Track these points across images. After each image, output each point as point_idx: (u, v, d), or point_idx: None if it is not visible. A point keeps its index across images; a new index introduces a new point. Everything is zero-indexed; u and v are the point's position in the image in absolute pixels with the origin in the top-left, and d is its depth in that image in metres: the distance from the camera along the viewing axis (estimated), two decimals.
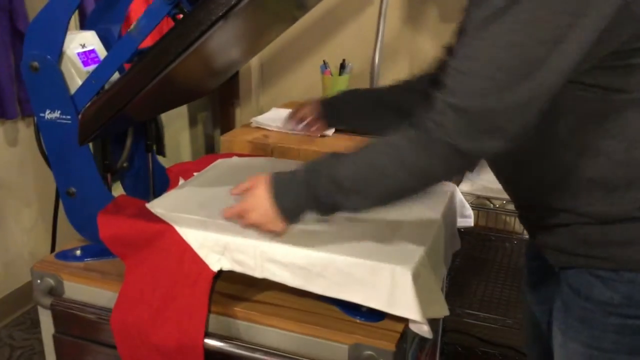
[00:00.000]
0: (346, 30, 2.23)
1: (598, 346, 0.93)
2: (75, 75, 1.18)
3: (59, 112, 1.18)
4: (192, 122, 2.75)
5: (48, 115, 1.19)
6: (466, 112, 0.81)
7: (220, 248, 1.07)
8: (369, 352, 0.97)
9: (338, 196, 0.91)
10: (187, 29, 0.98)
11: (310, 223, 1.11)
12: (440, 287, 1.06)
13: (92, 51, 1.24)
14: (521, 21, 0.77)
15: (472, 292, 1.85)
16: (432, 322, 0.99)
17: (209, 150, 2.86)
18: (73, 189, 1.23)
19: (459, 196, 1.32)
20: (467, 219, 1.33)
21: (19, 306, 2.34)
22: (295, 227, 1.10)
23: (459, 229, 1.33)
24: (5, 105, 2.10)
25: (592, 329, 0.93)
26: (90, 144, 1.21)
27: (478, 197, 1.81)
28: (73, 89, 1.17)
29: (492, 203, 1.88)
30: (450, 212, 1.26)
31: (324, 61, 2.18)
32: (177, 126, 2.64)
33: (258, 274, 1.05)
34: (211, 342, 1.05)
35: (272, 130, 1.95)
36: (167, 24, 1.34)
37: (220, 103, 2.64)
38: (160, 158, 1.44)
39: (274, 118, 2.04)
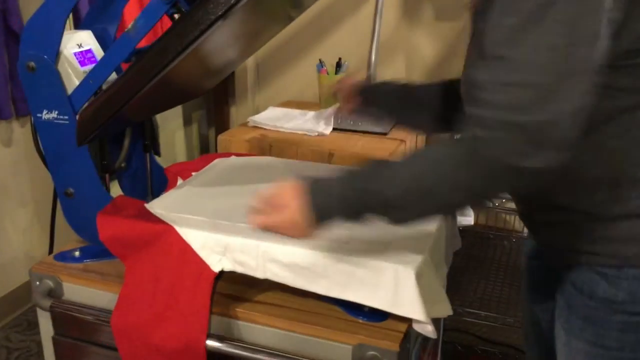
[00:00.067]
0: (342, 29, 2.23)
1: (602, 344, 0.93)
2: (72, 75, 1.17)
3: (56, 112, 1.17)
4: (187, 122, 2.74)
5: (45, 115, 1.18)
6: (522, 127, 0.76)
7: (221, 248, 1.06)
8: (373, 353, 0.97)
9: (379, 210, 0.88)
10: (185, 29, 0.97)
11: None
12: (443, 287, 1.06)
13: (89, 51, 1.23)
14: (560, 22, 0.75)
15: (472, 290, 1.86)
16: (434, 321, 0.99)
17: (204, 150, 2.86)
18: (71, 190, 1.22)
19: None
20: (467, 217, 1.33)
21: (15, 308, 2.33)
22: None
23: (458, 228, 1.32)
24: None
25: (596, 327, 0.93)
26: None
27: None
28: (70, 89, 1.16)
29: (491, 201, 1.88)
30: None
31: (320, 60, 2.17)
32: (172, 125, 2.63)
33: (260, 274, 1.05)
34: (213, 343, 1.04)
35: (270, 130, 1.94)
36: (161, 25, 1.34)
37: (215, 102, 2.63)
38: (157, 158, 1.43)
39: (271, 117, 2.03)
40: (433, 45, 2.10)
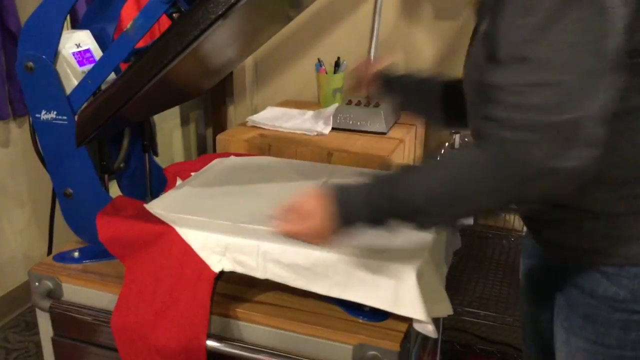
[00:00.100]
0: (341, 28, 2.23)
1: (602, 342, 0.93)
2: (71, 76, 1.17)
3: (55, 112, 1.17)
4: (184, 122, 2.74)
5: (44, 116, 1.18)
6: (553, 126, 0.76)
7: (221, 249, 1.06)
8: (373, 353, 0.97)
9: (405, 217, 0.88)
10: (185, 28, 0.97)
11: None
12: (443, 286, 1.06)
13: (88, 51, 1.23)
14: (584, 18, 0.75)
15: (471, 289, 1.86)
16: (434, 321, 0.99)
17: (202, 149, 2.85)
18: (70, 190, 1.22)
19: None
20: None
21: (13, 308, 2.33)
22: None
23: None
24: None
25: (597, 325, 0.94)
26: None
27: None
28: (69, 89, 1.16)
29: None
30: None
31: (318, 59, 2.17)
32: (169, 125, 2.63)
33: (260, 274, 1.05)
34: (213, 343, 1.04)
35: (268, 129, 1.94)
36: (158, 27, 1.33)
37: (212, 102, 2.63)
38: (155, 158, 1.43)
39: (270, 117, 2.03)
40: (432, 44, 2.10)
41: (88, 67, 1.18)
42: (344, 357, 0.99)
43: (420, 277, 0.95)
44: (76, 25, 1.77)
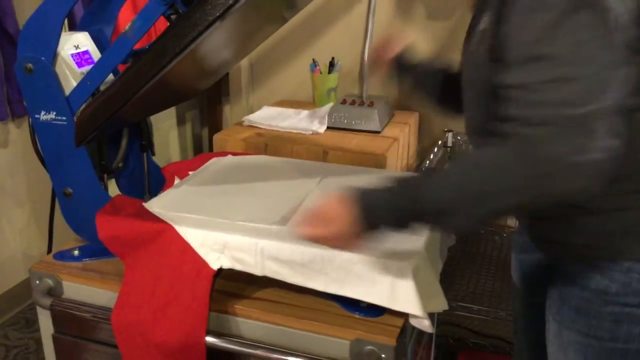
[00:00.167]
0: (335, 29, 2.24)
1: (594, 335, 0.95)
2: (70, 77, 1.18)
3: (54, 113, 1.18)
4: (180, 121, 2.74)
5: (43, 116, 1.19)
6: (577, 120, 0.76)
7: (220, 246, 1.08)
8: (370, 348, 0.99)
9: (430, 219, 0.87)
10: (183, 30, 0.99)
11: None
12: (438, 282, 1.07)
13: (86, 52, 1.24)
14: (594, 13, 0.76)
15: (465, 285, 1.88)
16: (429, 316, 1.01)
17: (198, 149, 2.86)
18: (69, 190, 1.23)
19: None
20: None
21: (13, 306, 2.34)
22: (294, 224, 1.11)
23: None
24: None
25: (589, 318, 0.95)
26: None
27: None
28: (68, 90, 1.17)
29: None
30: None
31: (313, 60, 2.19)
32: (165, 125, 2.64)
33: (258, 271, 1.07)
34: (212, 339, 1.06)
35: (265, 129, 1.95)
36: (154, 29, 1.34)
37: (208, 102, 2.64)
38: (153, 158, 1.44)
39: (266, 116, 2.05)
40: (425, 44, 2.12)
41: (87, 68, 1.19)
42: (341, 352, 1.01)
43: (416, 273, 0.97)
44: (73, 28, 1.79)
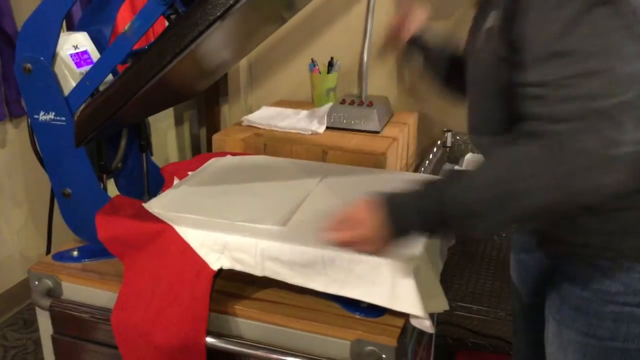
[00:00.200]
0: (334, 29, 2.24)
1: (594, 334, 0.95)
2: (69, 77, 1.18)
3: (53, 113, 1.18)
4: (178, 121, 2.74)
5: (42, 116, 1.19)
6: (608, 112, 0.75)
7: (219, 247, 1.08)
8: (371, 348, 0.99)
9: (468, 222, 0.84)
10: (183, 30, 0.98)
11: (309, 221, 1.13)
12: (439, 282, 1.07)
13: (85, 52, 1.24)
14: (615, 5, 0.76)
15: (464, 285, 1.88)
16: (429, 316, 1.01)
17: (196, 149, 2.86)
18: (68, 190, 1.23)
19: None
20: None
21: (11, 306, 2.34)
22: (294, 224, 1.12)
23: None
24: None
25: (589, 317, 0.95)
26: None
27: None
28: (67, 91, 1.17)
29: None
30: None
31: (312, 59, 2.18)
32: (163, 125, 2.64)
33: (258, 272, 1.06)
34: (212, 340, 1.05)
35: (264, 129, 1.95)
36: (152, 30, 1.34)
37: (206, 102, 2.64)
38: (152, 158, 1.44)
39: (265, 116, 2.05)
40: None
41: (86, 68, 1.19)
42: (342, 353, 1.01)
43: (417, 274, 0.97)
44: (71, 28, 1.78)
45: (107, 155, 1.29)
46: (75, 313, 1.18)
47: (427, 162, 1.84)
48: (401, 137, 1.93)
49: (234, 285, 1.13)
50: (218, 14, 0.95)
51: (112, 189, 1.36)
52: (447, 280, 1.84)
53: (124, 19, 1.83)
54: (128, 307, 1.09)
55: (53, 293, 1.20)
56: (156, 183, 1.43)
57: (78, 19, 1.36)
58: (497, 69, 0.89)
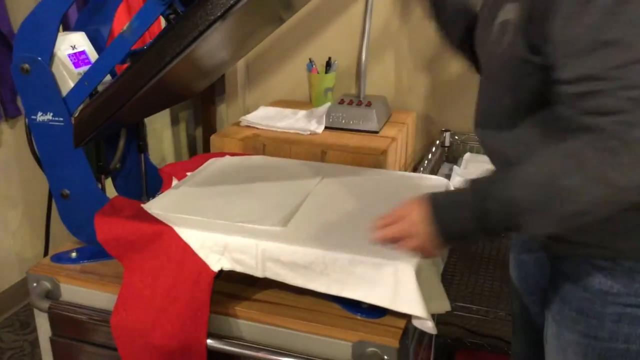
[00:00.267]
0: (332, 29, 2.24)
1: (595, 335, 0.95)
2: (67, 77, 1.17)
3: (51, 114, 1.17)
4: (174, 122, 2.74)
5: (40, 117, 1.18)
6: None
7: (220, 248, 1.07)
8: (373, 349, 0.98)
9: (513, 220, 0.83)
10: (184, 30, 0.98)
11: (309, 222, 1.12)
12: (440, 282, 1.07)
13: (83, 52, 1.23)
14: None
15: (464, 284, 1.88)
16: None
17: (192, 149, 2.85)
18: (67, 191, 1.22)
19: None
20: None
21: (7, 308, 2.33)
22: (295, 225, 1.11)
23: None
24: None
25: (590, 319, 0.95)
26: None
27: None
28: (65, 91, 1.16)
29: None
30: None
31: (310, 59, 2.18)
32: (159, 125, 2.63)
33: (259, 273, 1.06)
34: (213, 342, 1.05)
35: (262, 129, 1.95)
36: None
37: (202, 102, 2.63)
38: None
39: (263, 116, 2.04)
40: (423, 43, 2.12)
41: (84, 68, 1.18)
42: (343, 354, 1.00)
43: (419, 274, 0.96)
44: (67, 29, 1.77)
45: (105, 156, 1.28)
46: (74, 315, 1.17)
47: (425, 162, 1.84)
48: (400, 137, 1.93)
49: (235, 287, 1.12)
50: (219, 14, 0.94)
51: (109, 190, 1.35)
52: (447, 280, 1.84)
53: (120, 20, 1.82)
54: (128, 308, 1.08)
55: (52, 295, 1.19)
56: (154, 183, 1.42)
57: (74, 19, 1.35)
58: (513, 64, 0.88)
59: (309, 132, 1.89)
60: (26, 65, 1.14)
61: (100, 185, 1.26)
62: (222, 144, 1.86)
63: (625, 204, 0.79)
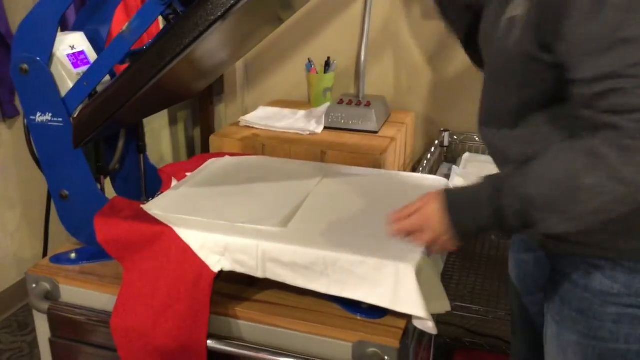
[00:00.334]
0: (331, 28, 2.24)
1: (595, 336, 0.95)
2: (66, 78, 1.16)
3: (50, 114, 1.17)
4: (172, 121, 2.73)
5: (39, 118, 1.17)
6: None
7: (220, 249, 1.07)
8: (373, 350, 0.98)
9: (529, 216, 0.83)
10: (184, 30, 0.98)
11: (309, 222, 1.12)
12: (440, 282, 1.07)
13: (82, 53, 1.23)
14: None
15: (463, 284, 1.88)
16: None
17: (190, 149, 2.85)
18: (66, 192, 1.22)
19: None
20: None
21: (5, 309, 2.33)
22: (295, 226, 1.11)
23: None
24: None
25: (590, 319, 0.95)
26: None
27: None
28: (64, 91, 1.16)
29: None
30: None
31: (309, 59, 2.18)
32: (157, 125, 2.63)
33: (260, 274, 1.06)
34: (214, 343, 1.05)
35: (261, 129, 1.95)
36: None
37: (200, 102, 2.63)
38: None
39: (262, 116, 2.04)
40: (421, 43, 2.12)
41: (83, 69, 1.18)
42: (344, 355, 1.00)
43: (419, 274, 0.96)
44: (65, 29, 1.77)
45: (104, 157, 1.28)
46: (74, 316, 1.17)
47: (425, 161, 1.84)
48: (399, 137, 1.93)
49: (235, 287, 1.12)
50: (219, 14, 0.94)
51: (109, 191, 1.35)
52: (446, 279, 1.84)
53: (118, 21, 1.81)
54: (128, 309, 1.08)
55: (51, 296, 1.19)
56: (154, 184, 1.42)
57: (73, 20, 1.35)
58: (520, 61, 0.87)
59: (308, 132, 1.89)
60: (25, 66, 1.14)
61: (99, 186, 1.26)
62: (222, 144, 1.86)
63: (636, 205, 0.79)
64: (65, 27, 1.89)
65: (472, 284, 1.89)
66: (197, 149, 2.81)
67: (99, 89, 1.13)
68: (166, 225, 1.11)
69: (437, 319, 1.91)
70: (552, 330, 1.02)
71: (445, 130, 2.09)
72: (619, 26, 0.76)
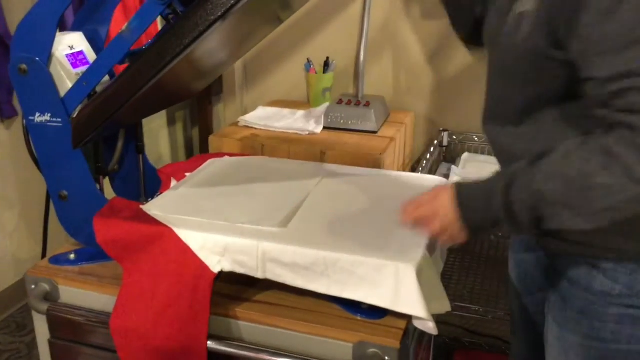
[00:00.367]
0: (330, 28, 2.23)
1: (597, 337, 0.95)
2: (65, 78, 1.16)
3: (49, 115, 1.16)
4: (171, 121, 2.73)
5: (38, 118, 1.17)
6: None
7: (220, 249, 1.07)
8: (374, 350, 0.98)
9: (540, 212, 0.83)
10: (184, 30, 0.98)
11: (310, 222, 1.12)
12: (440, 283, 1.07)
13: (81, 53, 1.22)
14: None
15: (462, 284, 1.88)
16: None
17: (189, 149, 2.85)
18: (65, 193, 1.21)
19: None
20: None
21: (3, 309, 2.32)
22: (295, 226, 1.11)
23: None
24: None
25: (592, 320, 0.95)
26: None
27: None
28: (63, 92, 1.15)
29: None
30: None
31: (308, 59, 2.18)
32: (155, 125, 2.62)
33: (260, 274, 1.05)
34: (213, 343, 1.05)
35: (261, 129, 1.94)
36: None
37: (198, 102, 2.62)
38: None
39: (261, 116, 2.04)
40: (421, 43, 2.12)
41: (82, 69, 1.18)
42: (344, 355, 1.00)
43: (419, 275, 0.96)
44: (63, 29, 1.77)
45: (103, 157, 1.27)
46: (73, 317, 1.16)
47: (424, 161, 1.84)
48: (398, 136, 1.92)
49: (235, 288, 1.12)
50: (219, 14, 0.94)
51: (108, 191, 1.34)
52: (446, 280, 1.84)
53: (116, 21, 1.81)
54: (127, 310, 1.08)
55: (50, 297, 1.18)
56: (153, 184, 1.41)
57: (72, 20, 1.34)
58: (529, 58, 0.87)
59: (307, 132, 1.89)
60: (24, 66, 1.14)
61: (98, 187, 1.26)
62: (221, 144, 1.86)
63: None
64: (63, 28, 1.89)
65: (472, 284, 1.89)
66: (196, 149, 2.80)
67: (99, 89, 1.13)
68: (166, 226, 1.11)
69: (437, 318, 1.91)
70: (553, 331, 1.02)
71: (444, 130, 2.09)
72: (636, 25, 0.76)
